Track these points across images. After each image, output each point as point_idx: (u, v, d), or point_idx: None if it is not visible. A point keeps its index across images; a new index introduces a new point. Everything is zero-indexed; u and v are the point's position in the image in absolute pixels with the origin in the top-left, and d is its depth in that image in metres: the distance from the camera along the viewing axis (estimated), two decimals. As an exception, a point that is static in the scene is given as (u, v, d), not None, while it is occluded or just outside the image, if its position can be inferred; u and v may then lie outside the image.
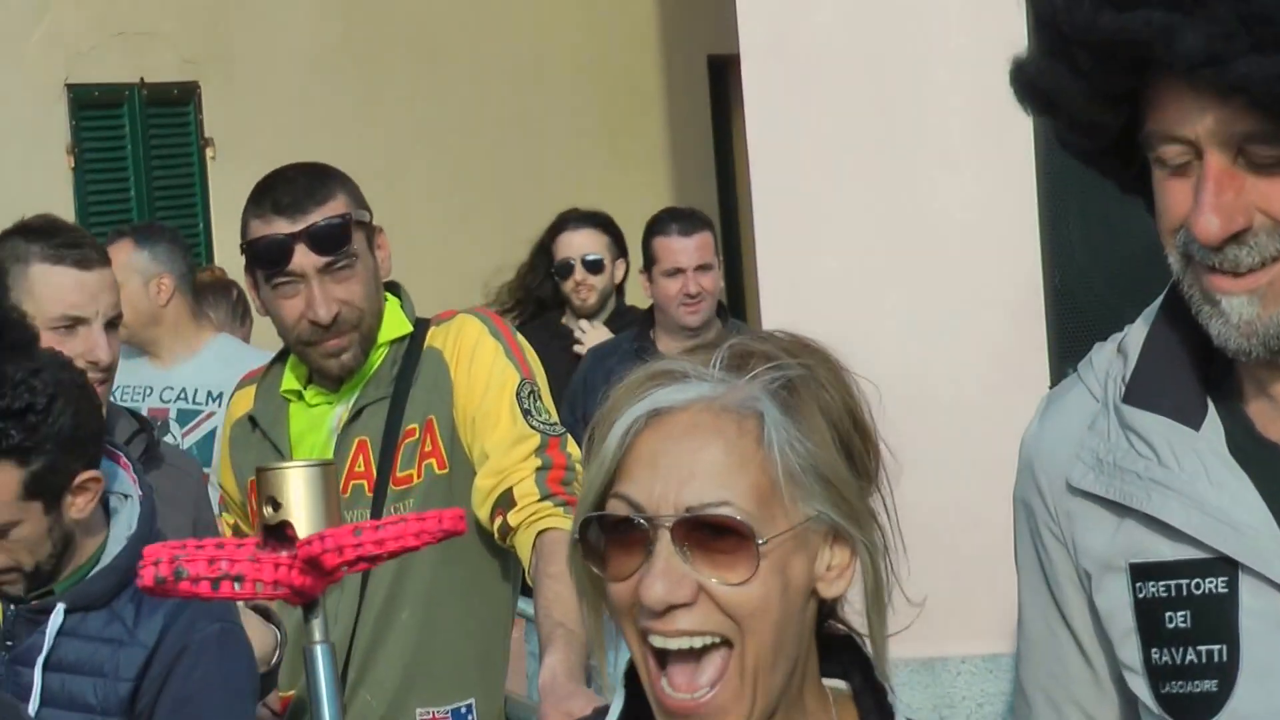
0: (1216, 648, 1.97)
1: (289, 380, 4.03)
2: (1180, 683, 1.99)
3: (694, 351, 1.87)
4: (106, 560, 3.29)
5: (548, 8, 12.63)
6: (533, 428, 3.80)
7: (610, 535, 1.83)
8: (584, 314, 7.23)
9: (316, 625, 1.86)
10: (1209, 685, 1.97)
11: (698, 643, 1.80)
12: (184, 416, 6.23)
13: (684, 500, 1.80)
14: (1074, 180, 6.58)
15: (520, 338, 4.04)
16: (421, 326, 3.98)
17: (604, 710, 1.96)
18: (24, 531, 3.14)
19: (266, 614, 3.67)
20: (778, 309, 6.97)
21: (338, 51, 11.40)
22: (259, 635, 3.60)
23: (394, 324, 3.97)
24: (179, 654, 3.20)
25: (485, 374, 3.88)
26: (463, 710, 3.90)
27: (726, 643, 1.81)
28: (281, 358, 4.09)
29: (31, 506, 3.12)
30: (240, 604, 3.45)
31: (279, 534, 1.85)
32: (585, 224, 7.34)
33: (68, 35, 9.94)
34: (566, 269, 7.29)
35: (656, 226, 7.08)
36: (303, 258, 3.80)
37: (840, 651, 1.96)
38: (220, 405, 5.67)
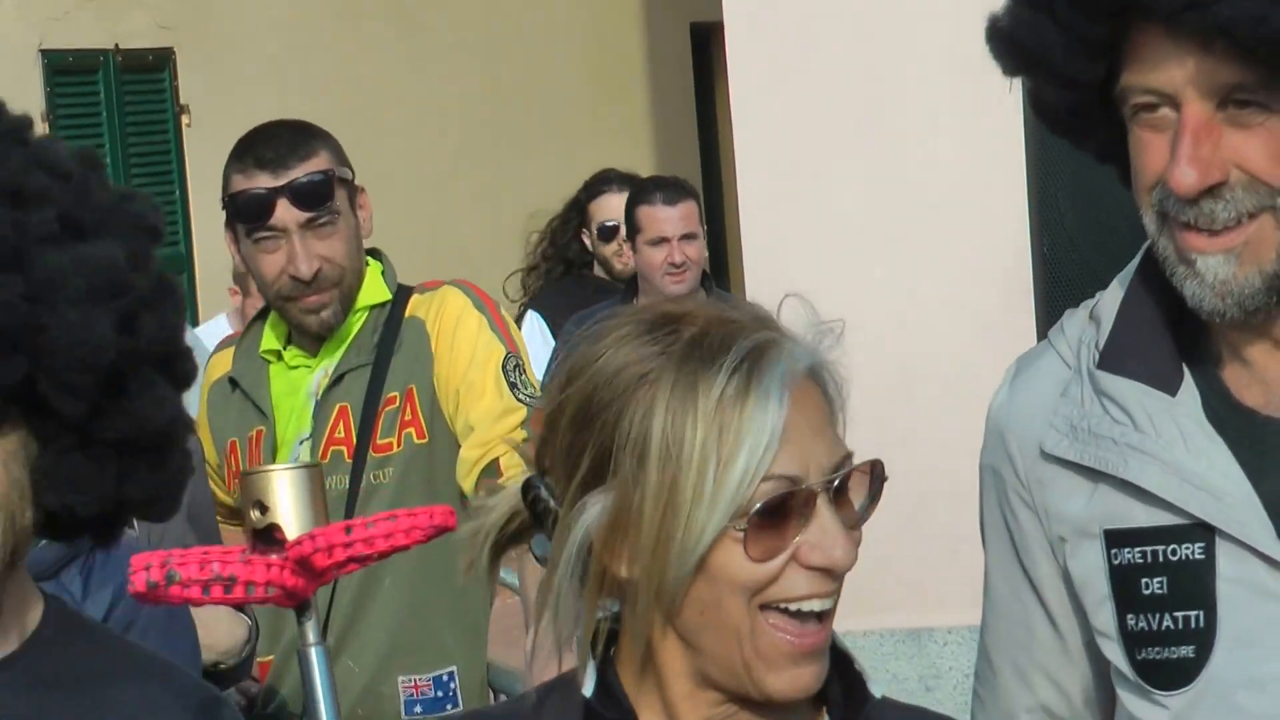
0: (1194, 614, 1.97)
1: (269, 340, 4.04)
2: (1156, 649, 2.00)
3: (733, 315, 1.84)
4: None
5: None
6: (519, 400, 3.83)
7: (761, 518, 1.78)
8: (624, 278, 7.16)
9: (310, 627, 1.87)
10: (1186, 651, 1.98)
11: (831, 603, 1.81)
12: None
13: (827, 459, 1.80)
14: (1063, 150, 6.51)
15: (504, 311, 4.05)
16: (403, 294, 4.01)
17: (570, 679, 1.94)
18: None
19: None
20: (761, 279, 6.97)
21: (315, 17, 11.35)
22: (229, 626, 3.58)
23: (374, 289, 3.99)
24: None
25: (470, 347, 3.90)
26: (445, 678, 3.92)
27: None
28: (262, 316, 4.10)
29: None
30: None
31: (267, 537, 1.86)
32: (629, 186, 7.21)
33: (41, 1, 9.89)
34: (610, 232, 7.23)
35: (640, 195, 7.06)
36: (284, 213, 3.82)
37: None
38: None
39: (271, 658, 3.91)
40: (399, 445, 3.89)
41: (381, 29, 11.62)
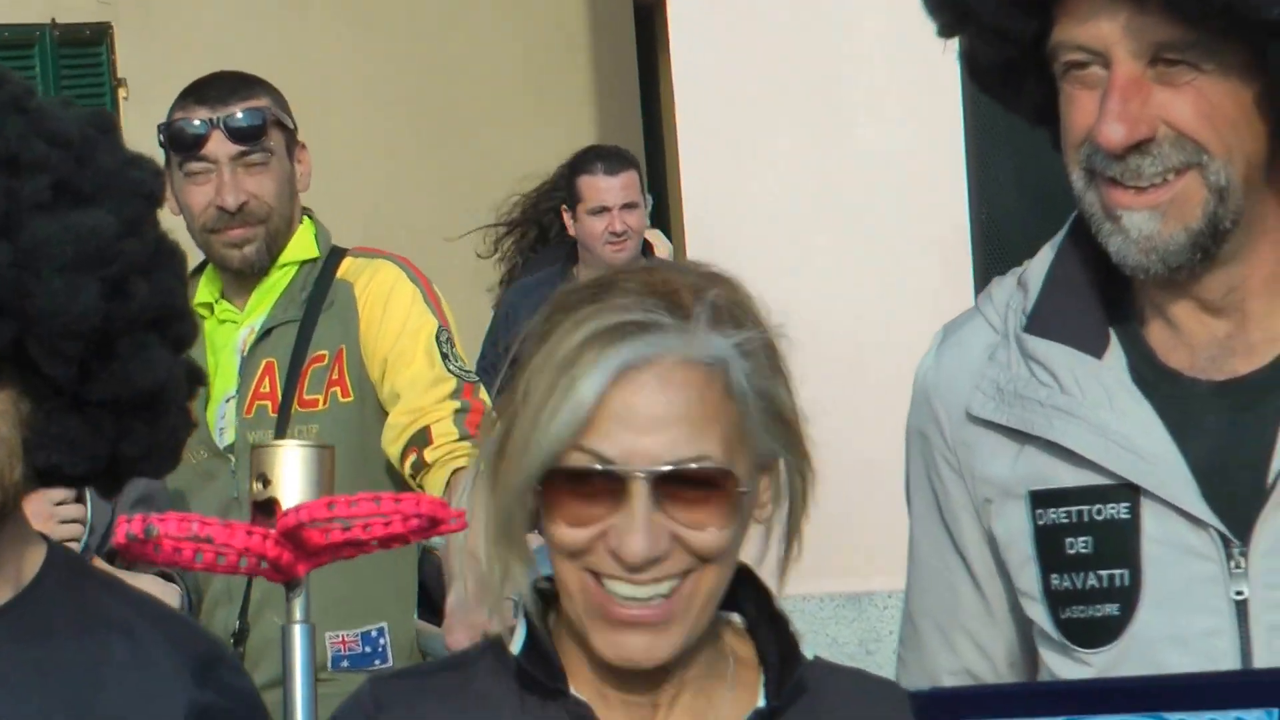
0: (1118, 572, 1.99)
1: (203, 293, 4.05)
2: (1081, 607, 2.01)
3: (654, 293, 1.85)
4: None
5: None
6: (450, 371, 3.87)
7: (567, 486, 1.83)
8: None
9: (297, 604, 1.85)
10: (1110, 609, 1.99)
11: (666, 587, 1.83)
12: None
13: (661, 455, 1.81)
14: (1002, 118, 6.55)
15: (435, 288, 4.08)
16: (336, 255, 4.03)
17: (499, 641, 1.96)
18: None
19: (168, 576, 3.65)
20: (703, 251, 6.96)
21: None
22: (159, 593, 3.58)
23: (304, 244, 4.02)
24: None
25: (402, 317, 3.93)
26: (373, 634, 3.93)
27: (689, 571, 1.84)
28: (200, 270, 4.09)
29: None
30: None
31: (267, 510, 1.85)
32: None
33: (-26, -26, 9.82)
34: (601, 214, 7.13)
35: (581, 165, 7.07)
36: (217, 145, 3.87)
37: (736, 584, 1.95)
38: None
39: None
40: (325, 403, 3.91)
41: (323, 3, 11.55)
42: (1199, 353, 2.03)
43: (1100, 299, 2.06)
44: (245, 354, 3.99)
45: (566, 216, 7.08)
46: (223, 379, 3.99)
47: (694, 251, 7.19)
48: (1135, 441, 1.99)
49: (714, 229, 7.20)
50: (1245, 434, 1.99)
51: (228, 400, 3.96)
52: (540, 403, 1.82)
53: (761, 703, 1.92)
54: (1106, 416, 2.01)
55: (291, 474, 1.84)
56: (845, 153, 6.93)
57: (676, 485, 1.81)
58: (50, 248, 1.93)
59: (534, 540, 1.88)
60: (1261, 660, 1.96)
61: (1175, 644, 1.98)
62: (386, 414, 3.89)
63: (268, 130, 3.95)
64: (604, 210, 6.85)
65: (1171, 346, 2.04)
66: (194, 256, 3.83)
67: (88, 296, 1.94)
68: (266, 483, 1.84)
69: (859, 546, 6.59)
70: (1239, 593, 1.96)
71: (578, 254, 7.02)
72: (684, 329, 1.82)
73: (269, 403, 3.93)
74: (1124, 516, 1.99)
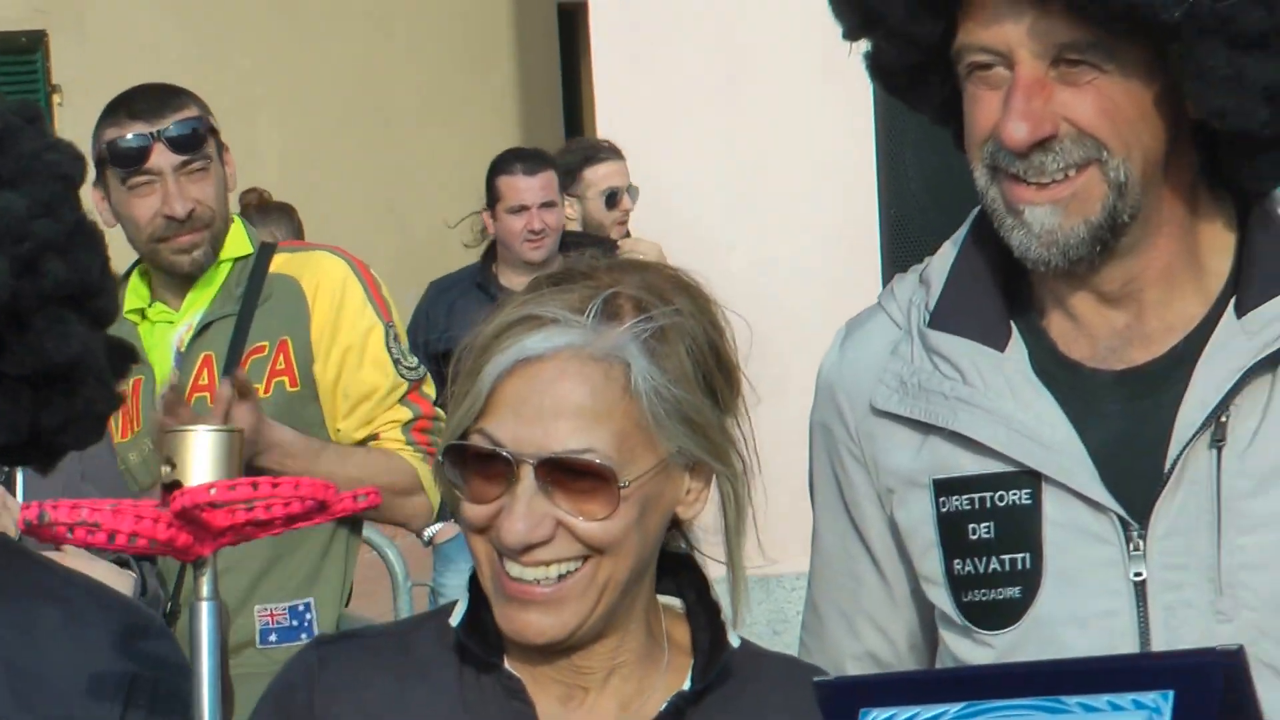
0: (1020, 556, 1.99)
1: (131, 300, 4.03)
2: (983, 591, 2.01)
3: (565, 290, 1.86)
4: None
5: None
6: (401, 376, 3.94)
7: (472, 465, 1.85)
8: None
9: (204, 582, 1.82)
10: (1012, 592, 1.99)
11: (554, 572, 1.84)
12: None
13: (549, 444, 1.82)
14: (911, 119, 6.62)
15: (377, 277, 4.10)
16: (266, 250, 4.04)
17: (448, 610, 1.97)
18: None
19: (124, 563, 3.63)
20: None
21: (189, -2, 11.28)
22: (112, 581, 3.57)
23: (239, 241, 4.01)
24: None
25: (354, 316, 3.98)
26: (300, 608, 3.93)
27: (589, 555, 1.84)
28: (126, 277, 4.07)
29: None
30: (94, 551, 3.37)
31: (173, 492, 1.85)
32: (612, 157, 7.12)
33: (-88, -17, 9.76)
34: (613, 199, 7.08)
35: (501, 165, 7.10)
36: (160, 156, 3.86)
37: (678, 569, 1.97)
38: None
39: None
40: (267, 391, 3.90)
41: (257, 9, 11.53)
42: (1098, 343, 2.03)
43: (1002, 293, 2.05)
44: (183, 350, 3.98)
45: (486, 216, 7.09)
46: (161, 375, 3.98)
47: (614, 248, 7.24)
48: (1037, 430, 1.99)
49: (633, 226, 7.23)
50: (1143, 421, 1.99)
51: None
52: (458, 388, 1.87)
53: (687, 686, 1.92)
54: (1009, 407, 2.00)
55: (198, 457, 1.80)
56: (757, 152, 6.97)
57: (564, 474, 1.82)
58: None
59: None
60: (1159, 639, 1.95)
61: (1075, 624, 1.97)
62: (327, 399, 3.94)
63: (206, 137, 3.96)
64: (523, 209, 6.88)
65: (1072, 338, 2.04)
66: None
67: None
68: (173, 466, 1.81)
69: (765, 529, 6.61)
70: (1137, 574, 1.96)
71: (497, 252, 7.03)
72: (582, 325, 1.83)
73: (208, 394, 3.91)
74: (1025, 502, 1.99)
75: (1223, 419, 1.96)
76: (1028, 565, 1.99)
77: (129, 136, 3.81)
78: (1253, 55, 1.89)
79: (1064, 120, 1.93)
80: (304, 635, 3.90)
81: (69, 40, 10.50)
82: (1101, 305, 2.02)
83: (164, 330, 4.03)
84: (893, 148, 6.96)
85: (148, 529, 1.79)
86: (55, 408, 2.02)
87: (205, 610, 1.82)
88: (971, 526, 2.01)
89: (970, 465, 2.01)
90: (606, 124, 7.65)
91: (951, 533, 2.02)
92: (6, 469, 3.42)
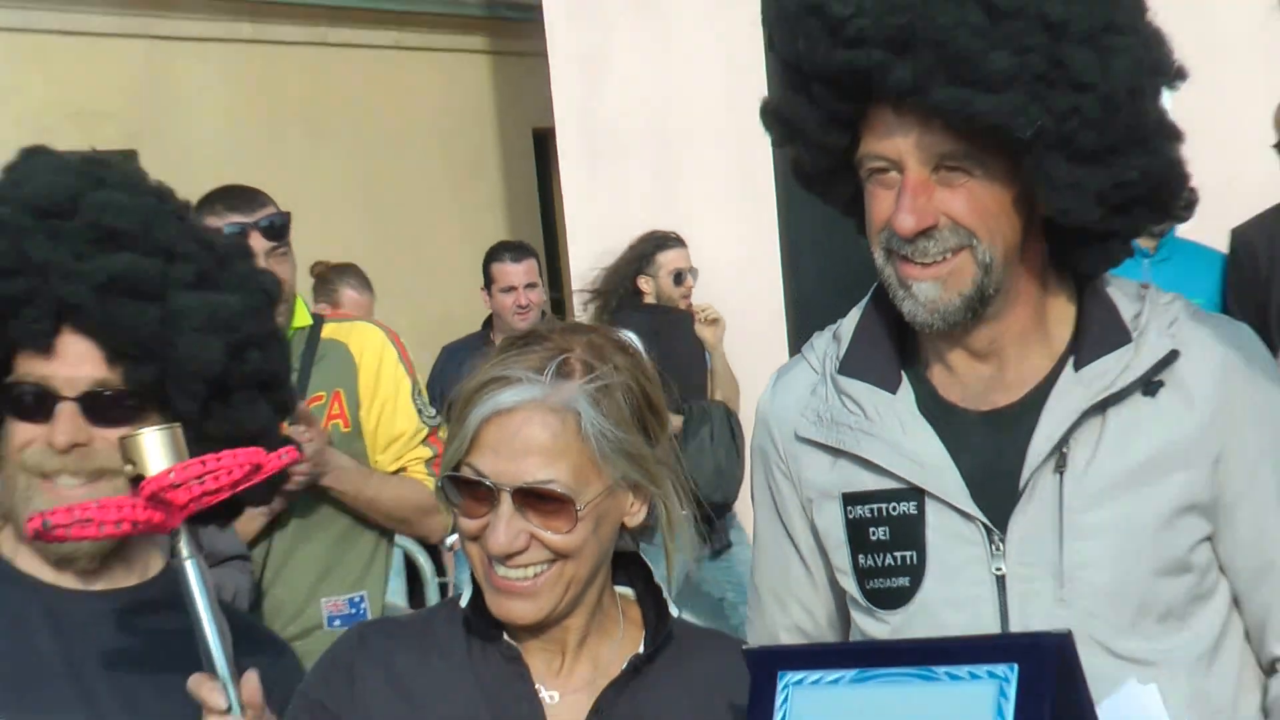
0: (908, 554, 1.98)
1: None
2: (881, 580, 2.01)
3: (528, 353, 1.88)
4: None
5: (410, 93, 12.55)
6: (423, 423, 3.92)
7: (464, 490, 1.87)
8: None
9: (182, 545, 1.81)
10: (903, 581, 1.99)
11: (530, 572, 1.87)
12: None
13: (521, 476, 1.84)
14: (807, 217, 6.68)
15: (403, 340, 4.10)
16: (319, 321, 3.98)
17: (458, 598, 1.98)
18: None
19: (245, 556, 3.64)
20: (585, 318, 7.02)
21: (243, 121, 11.23)
22: (234, 572, 3.60)
23: (302, 314, 3.95)
24: None
25: (390, 374, 3.95)
26: (357, 599, 3.89)
27: (556, 559, 1.87)
28: None
29: None
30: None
31: (137, 484, 1.83)
32: (678, 244, 6.89)
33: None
34: (681, 277, 6.81)
35: (493, 255, 7.12)
36: (254, 242, 3.76)
37: (628, 565, 2.00)
38: None
39: None
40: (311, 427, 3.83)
41: (298, 131, 11.47)
42: (968, 389, 2.02)
43: (895, 348, 2.05)
44: None
45: (483, 294, 7.08)
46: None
47: (579, 316, 7.23)
48: (920, 456, 1.99)
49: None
50: (1003, 451, 1.98)
51: None
52: (450, 430, 1.91)
53: (641, 650, 1.94)
54: (899, 437, 2.00)
55: (152, 452, 1.80)
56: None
57: (534, 499, 1.84)
58: (189, 313, 1.98)
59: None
60: (1015, 620, 1.95)
61: (951, 607, 1.97)
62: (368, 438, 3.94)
63: (289, 228, 3.93)
64: (511, 289, 6.90)
65: (948, 384, 2.03)
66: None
67: (213, 352, 1.98)
68: (133, 464, 1.81)
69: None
70: (998, 569, 1.95)
71: (494, 322, 7.03)
72: (542, 382, 1.85)
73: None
74: (913, 512, 1.98)
75: (1064, 450, 1.95)
76: (914, 561, 1.98)
77: (227, 226, 3.71)
78: (1087, 167, 1.89)
79: (943, 214, 1.92)
80: (361, 618, 3.87)
81: (155, 158, 10.42)
82: (971, 359, 2.02)
83: None
84: (793, 242, 7.00)
85: (129, 514, 1.79)
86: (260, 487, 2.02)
87: (190, 567, 1.81)
88: (872, 529, 2.00)
89: (870, 482, 2.01)
90: (572, 223, 7.68)
91: (857, 534, 2.02)
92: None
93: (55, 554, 2.03)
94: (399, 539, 4.46)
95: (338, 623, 3.83)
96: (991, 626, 1.94)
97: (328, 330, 3.97)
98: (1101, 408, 1.95)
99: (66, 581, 2.04)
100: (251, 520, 3.69)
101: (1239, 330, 2.02)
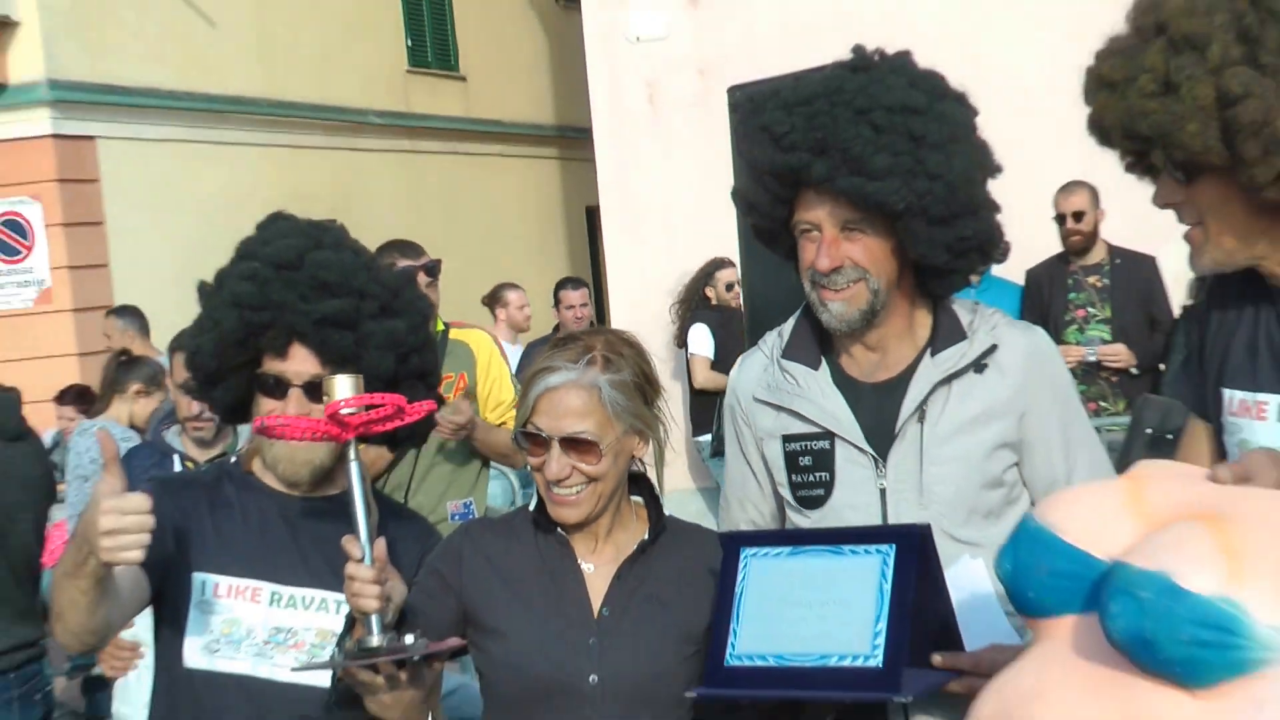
0: (824, 474, 1.96)
1: None
2: (806, 490, 1.97)
3: (567, 350, 1.87)
4: None
5: (509, 185, 12.54)
6: (516, 395, 3.90)
7: (529, 438, 1.85)
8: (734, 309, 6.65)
9: (350, 453, 1.75)
10: (820, 492, 1.96)
11: (574, 490, 1.84)
12: None
13: (565, 429, 1.82)
14: (762, 261, 6.54)
15: (500, 343, 4.05)
16: (447, 328, 3.92)
17: (527, 507, 1.95)
18: None
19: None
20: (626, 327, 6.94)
21: (402, 203, 11.17)
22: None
23: (438, 324, 3.87)
24: None
25: (496, 365, 3.92)
26: (468, 503, 3.86)
27: (590, 481, 1.85)
28: None
29: None
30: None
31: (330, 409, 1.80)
32: (729, 265, 6.63)
33: None
34: (731, 286, 6.63)
35: (560, 286, 7.19)
36: (420, 278, 3.69)
37: (638, 480, 1.96)
38: None
39: None
40: (452, 398, 3.84)
41: (422, 207, 11.38)
42: (863, 369, 2.00)
43: (817, 343, 2.02)
44: None
45: (553, 311, 7.10)
46: None
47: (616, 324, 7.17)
48: (833, 412, 1.96)
49: (625, 318, 7.21)
50: (885, 409, 1.96)
51: None
52: (520, 400, 1.88)
53: (646, 537, 1.91)
54: (820, 399, 1.97)
55: (338, 387, 1.75)
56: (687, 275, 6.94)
57: (573, 443, 1.82)
58: (373, 337, 1.95)
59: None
60: (891, 518, 1.91)
61: (851, 509, 1.94)
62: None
63: (439, 269, 3.89)
64: (571, 307, 6.95)
65: (850, 366, 2.01)
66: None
67: (388, 361, 1.95)
68: (327, 395, 1.76)
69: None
70: (882, 485, 1.92)
71: (559, 328, 7.03)
72: (577, 369, 1.84)
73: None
74: (828, 448, 1.95)
75: (924, 409, 1.92)
76: (828, 479, 1.95)
77: (399, 267, 3.59)
78: (938, 228, 1.87)
79: (847, 258, 1.90)
80: (470, 516, 3.84)
81: (347, 224, 10.29)
82: (865, 350, 1.99)
83: None
84: (753, 269, 6.93)
85: (317, 427, 1.75)
86: (414, 427, 1.97)
87: (354, 466, 1.74)
88: (800, 458, 1.97)
89: (801, 428, 1.98)
90: (612, 270, 7.64)
91: (791, 461, 1.99)
92: None
93: (285, 477, 2.00)
94: (504, 468, 4.47)
95: (456, 518, 3.80)
96: (876, 521, 1.92)
97: (453, 334, 3.92)
98: (948, 381, 1.93)
99: (293, 492, 2.03)
100: (383, 456, 3.57)
101: (1035, 331, 2.00)
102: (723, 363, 6.36)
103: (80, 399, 6.15)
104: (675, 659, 1.84)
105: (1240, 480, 1.29)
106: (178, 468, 3.61)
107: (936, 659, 1.74)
